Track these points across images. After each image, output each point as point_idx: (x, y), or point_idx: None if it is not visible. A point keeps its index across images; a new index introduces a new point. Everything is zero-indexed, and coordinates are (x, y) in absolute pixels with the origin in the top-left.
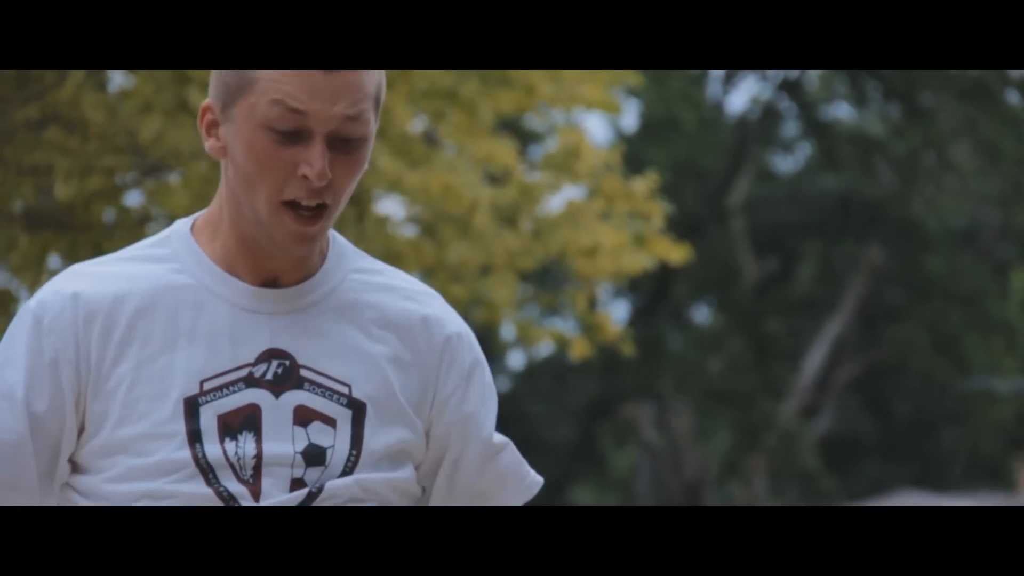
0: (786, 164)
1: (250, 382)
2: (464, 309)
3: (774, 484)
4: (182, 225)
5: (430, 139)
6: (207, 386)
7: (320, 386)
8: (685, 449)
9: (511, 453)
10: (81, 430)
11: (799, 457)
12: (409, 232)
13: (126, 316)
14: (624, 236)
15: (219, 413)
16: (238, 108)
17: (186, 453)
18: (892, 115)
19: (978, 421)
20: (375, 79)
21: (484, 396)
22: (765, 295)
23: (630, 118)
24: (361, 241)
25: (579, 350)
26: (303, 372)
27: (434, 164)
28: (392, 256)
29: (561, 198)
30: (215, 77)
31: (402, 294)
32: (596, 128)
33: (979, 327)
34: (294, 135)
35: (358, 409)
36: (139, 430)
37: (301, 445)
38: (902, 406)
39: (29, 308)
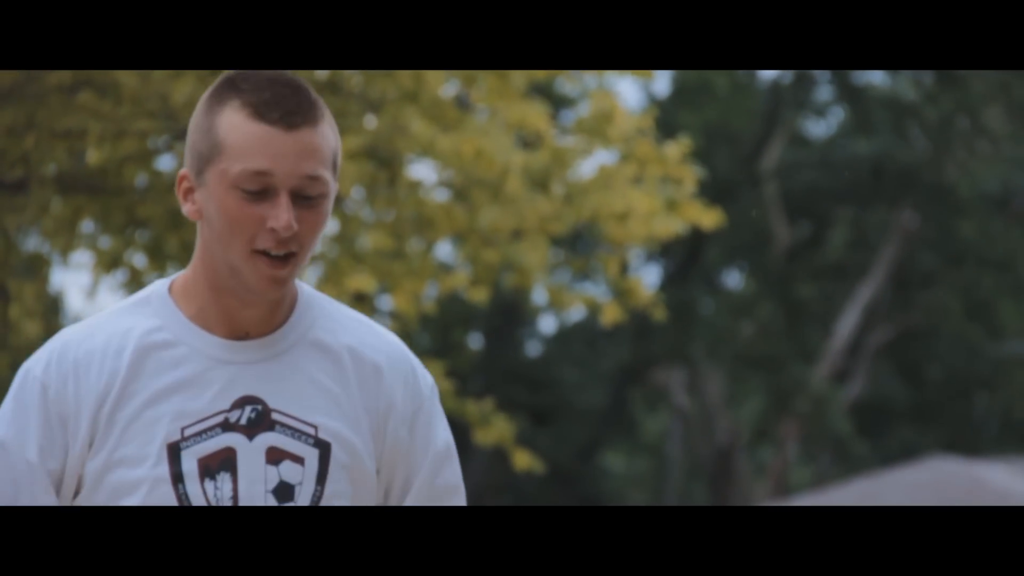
0: (819, 129)
1: (226, 427)
2: (496, 274)
3: (806, 449)
4: (161, 286)
5: (462, 103)
6: (188, 432)
7: (290, 428)
8: (716, 414)
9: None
10: (79, 485)
11: (831, 422)
12: (441, 196)
13: (119, 379)
14: (656, 201)
15: (199, 456)
16: (210, 173)
17: (170, 494)
18: (925, 80)
19: (1011, 386)
20: (331, 143)
21: (429, 433)
22: (797, 260)
23: (662, 83)
24: (393, 205)
25: (611, 315)
26: (274, 416)
27: (466, 128)
28: (424, 221)
29: (593, 163)
30: (188, 147)
31: (361, 340)
32: (628, 93)
33: (1012, 292)
34: (261, 193)
35: (324, 448)
36: (129, 475)
37: (272, 483)
38: (934, 371)
39: (35, 376)
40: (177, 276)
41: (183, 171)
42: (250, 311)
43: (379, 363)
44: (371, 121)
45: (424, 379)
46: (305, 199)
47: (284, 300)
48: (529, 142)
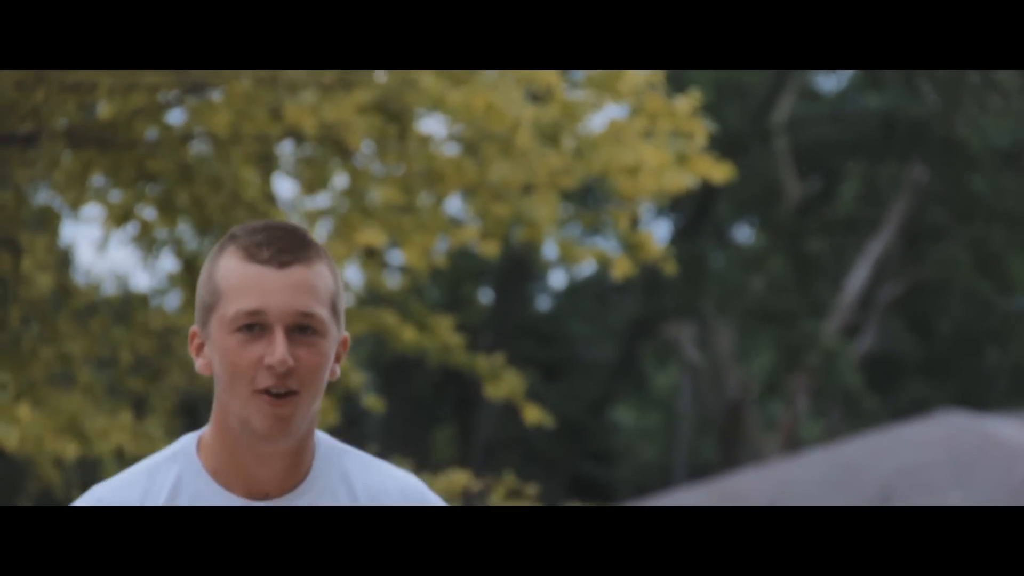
0: (829, 83)
1: None
2: (506, 228)
3: (816, 403)
4: (189, 442)
5: None
6: None
7: None
8: (727, 368)
9: None
10: None
11: (841, 376)
12: (451, 151)
13: None
14: (666, 155)
15: None
16: (212, 323)
17: None
18: None
19: (1021, 340)
20: (328, 284)
21: None
22: (807, 214)
23: None
24: (403, 160)
25: (621, 269)
26: None
27: (476, 83)
28: (434, 175)
29: (603, 117)
30: (196, 304)
31: (379, 488)
32: None
33: (1022, 246)
34: (257, 333)
35: None
36: None
37: None
38: (945, 325)
39: None
40: (204, 430)
41: (193, 328)
42: (266, 469)
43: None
44: (381, 76)
45: None
46: (302, 336)
47: (302, 458)
48: (539, 96)
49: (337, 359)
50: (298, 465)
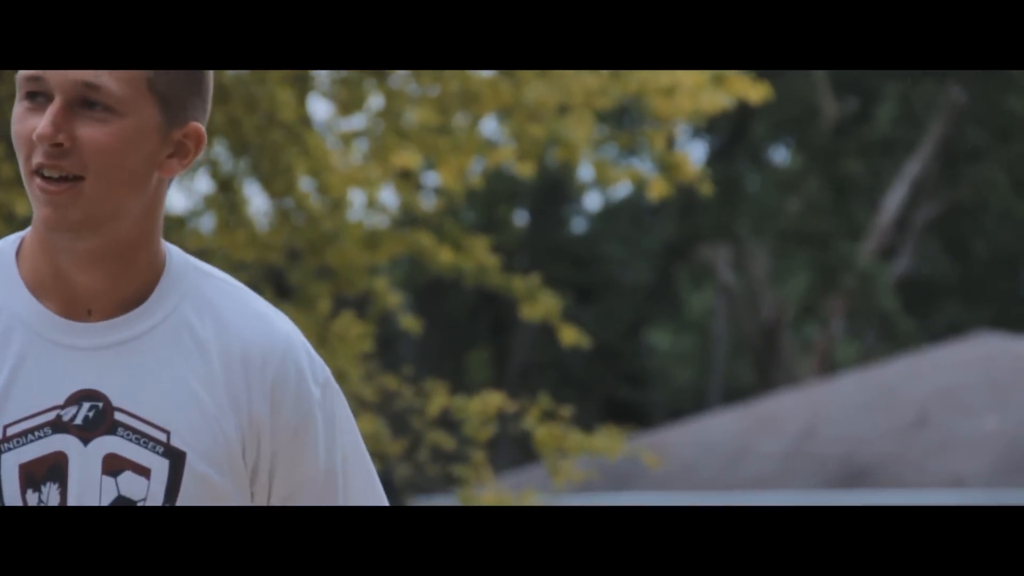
0: None
1: (57, 427)
2: (541, 149)
3: (852, 326)
4: (9, 245)
5: None
6: (11, 431)
7: (135, 431)
8: (762, 291)
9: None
10: None
11: (877, 298)
12: (487, 71)
13: None
14: (702, 75)
15: (21, 462)
16: None
17: None
18: None
19: None
20: None
21: (323, 441)
22: (844, 135)
23: None
24: (438, 80)
25: (656, 191)
26: (117, 416)
27: None
28: (469, 96)
29: None
30: None
31: (238, 330)
32: None
33: None
34: (42, 103)
35: (176, 458)
36: None
37: (109, 497)
38: (981, 247)
39: None
40: (29, 230)
41: None
42: (85, 276)
43: (254, 360)
44: None
45: (314, 376)
46: (90, 112)
47: (130, 268)
48: None
49: (181, 154)
50: (126, 277)
